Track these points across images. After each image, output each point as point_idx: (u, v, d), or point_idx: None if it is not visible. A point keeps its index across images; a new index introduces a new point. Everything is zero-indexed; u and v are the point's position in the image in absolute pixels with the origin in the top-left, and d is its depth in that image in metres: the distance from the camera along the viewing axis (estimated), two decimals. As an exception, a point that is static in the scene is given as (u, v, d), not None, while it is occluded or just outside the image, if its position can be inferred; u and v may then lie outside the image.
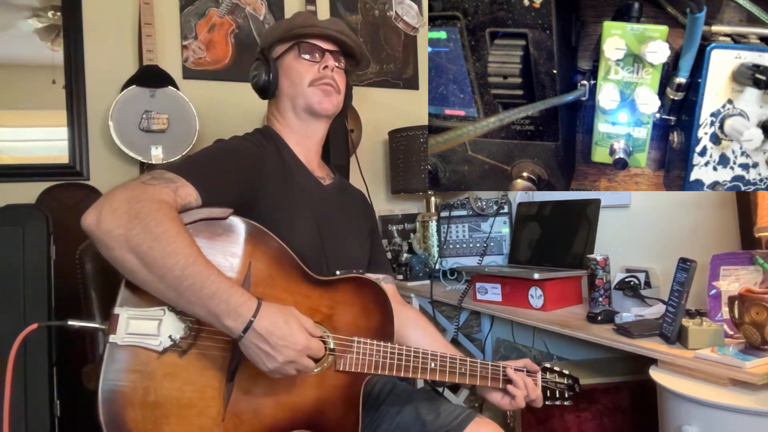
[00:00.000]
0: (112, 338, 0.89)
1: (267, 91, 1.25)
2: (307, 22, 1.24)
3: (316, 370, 1.02)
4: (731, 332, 1.26)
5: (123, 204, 0.88)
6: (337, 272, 1.15)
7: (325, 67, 1.24)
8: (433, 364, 1.11)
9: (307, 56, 1.24)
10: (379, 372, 1.06)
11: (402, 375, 1.08)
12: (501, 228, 2.17)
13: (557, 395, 1.22)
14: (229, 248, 0.99)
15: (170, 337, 0.92)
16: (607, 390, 1.59)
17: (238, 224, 1.01)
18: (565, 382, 1.23)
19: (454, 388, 2.16)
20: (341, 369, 1.03)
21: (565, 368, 1.26)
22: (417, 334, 1.30)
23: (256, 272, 1.00)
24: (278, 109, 1.27)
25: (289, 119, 1.26)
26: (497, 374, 1.16)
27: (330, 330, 1.04)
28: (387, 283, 1.36)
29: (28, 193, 2.03)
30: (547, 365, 1.24)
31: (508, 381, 1.16)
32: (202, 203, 0.98)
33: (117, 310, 0.91)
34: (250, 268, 0.99)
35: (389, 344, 1.07)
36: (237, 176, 1.08)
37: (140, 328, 0.91)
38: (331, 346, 1.04)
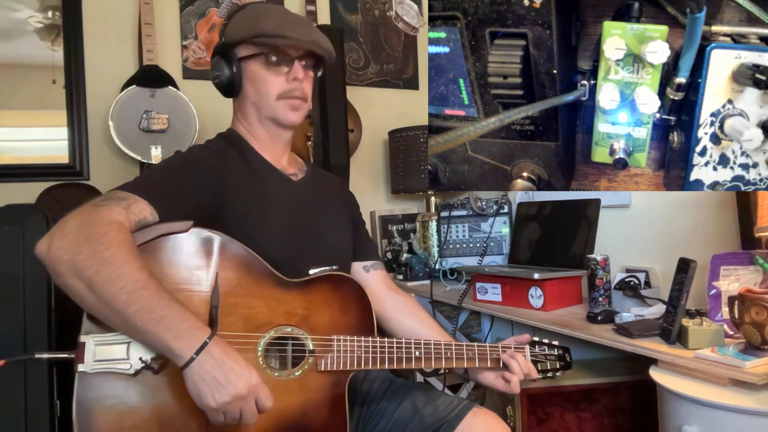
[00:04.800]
0: (80, 367, 0.88)
1: (229, 92, 1.19)
2: (277, 30, 1.12)
3: (298, 371, 1.01)
4: (731, 332, 1.26)
5: (73, 230, 0.87)
6: (311, 272, 1.13)
7: (295, 78, 1.16)
8: (417, 353, 1.09)
9: (275, 67, 1.15)
10: (362, 367, 1.05)
11: (387, 367, 1.07)
12: (501, 228, 2.17)
13: (548, 367, 1.21)
14: (194, 261, 0.97)
15: (141, 358, 0.90)
16: (607, 390, 1.59)
17: (201, 235, 0.99)
18: (555, 353, 1.22)
19: (455, 389, 2.17)
20: (323, 369, 1.02)
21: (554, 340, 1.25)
22: (411, 320, 1.28)
23: (226, 282, 0.98)
24: (242, 112, 1.21)
25: (253, 124, 1.20)
26: (484, 354, 1.15)
27: (308, 331, 1.03)
28: (376, 270, 1.34)
29: (28, 193, 2.03)
30: (535, 339, 1.23)
31: (498, 360, 1.15)
32: (159, 218, 0.96)
33: (82, 338, 0.89)
34: (218, 279, 0.97)
35: (370, 338, 1.06)
36: (194, 187, 1.05)
37: (108, 354, 0.89)
38: (311, 348, 1.03)
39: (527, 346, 1.19)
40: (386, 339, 1.08)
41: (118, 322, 0.87)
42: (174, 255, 0.96)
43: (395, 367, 1.08)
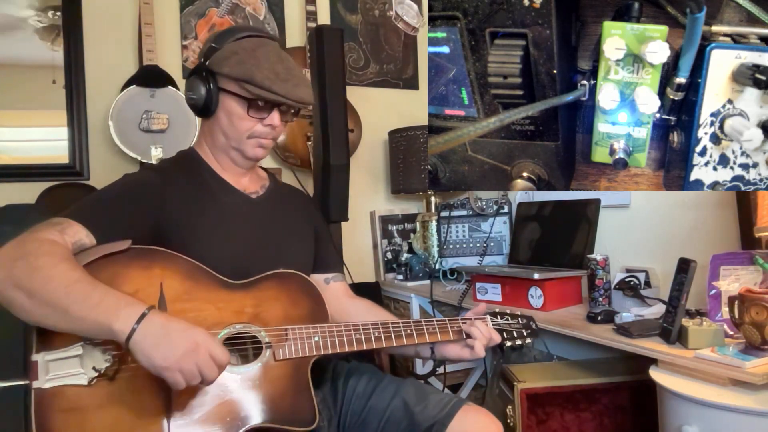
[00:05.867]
0: (35, 384, 0.89)
1: (201, 114, 1.19)
2: (266, 82, 1.11)
3: (257, 363, 1.02)
4: (731, 332, 1.26)
5: (7, 253, 0.91)
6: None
7: (270, 125, 1.17)
8: (376, 333, 1.12)
9: (255, 115, 1.16)
10: (322, 352, 1.07)
11: (347, 350, 1.08)
12: (501, 228, 2.17)
13: (515, 335, 1.23)
14: (137, 277, 0.99)
15: (94, 368, 0.91)
16: (607, 390, 1.59)
17: (142, 253, 1.02)
18: (520, 322, 1.25)
19: (455, 389, 2.16)
20: (282, 358, 1.04)
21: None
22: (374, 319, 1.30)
23: (171, 291, 1.00)
24: (209, 134, 1.22)
25: (218, 148, 1.21)
26: (445, 327, 1.18)
27: (261, 326, 1.05)
28: (336, 281, 1.36)
29: (28, 193, 2.02)
30: (496, 309, 1.25)
31: (460, 331, 1.18)
32: (96, 240, 0.99)
33: (34, 357, 0.91)
34: (163, 288, 1.00)
35: (326, 325, 1.09)
36: (132, 209, 1.07)
37: (61, 368, 0.91)
38: (266, 340, 1.04)
39: (488, 316, 1.22)
40: (342, 323, 1.11)
41: (60, 319, 0.88)
42: (117, 272, 0.98)
43: (356, 349, 1.09)
